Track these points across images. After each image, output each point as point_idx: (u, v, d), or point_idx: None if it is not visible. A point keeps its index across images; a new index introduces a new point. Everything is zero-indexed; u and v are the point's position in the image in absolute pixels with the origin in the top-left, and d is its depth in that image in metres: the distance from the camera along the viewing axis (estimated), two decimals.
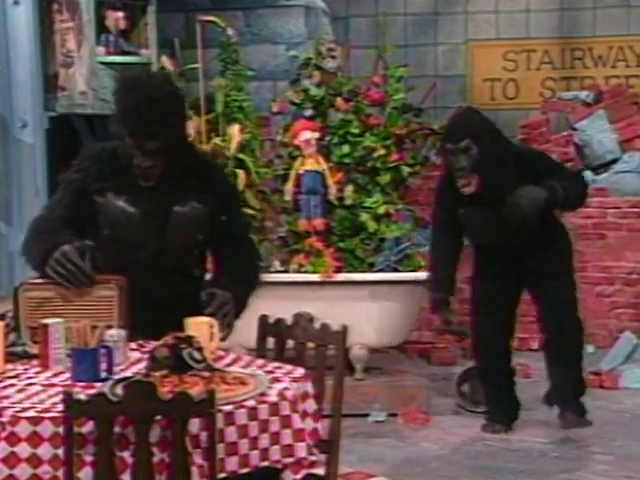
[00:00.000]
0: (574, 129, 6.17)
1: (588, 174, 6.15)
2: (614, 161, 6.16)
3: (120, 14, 4.95)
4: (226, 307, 2.73)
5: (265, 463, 2.19)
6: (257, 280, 2.97)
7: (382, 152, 4.83)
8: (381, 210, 4.79)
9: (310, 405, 2.36)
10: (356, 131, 4.86)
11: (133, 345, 2.67)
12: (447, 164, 4.07)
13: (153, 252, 2.81)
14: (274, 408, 2.21)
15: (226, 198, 2.91)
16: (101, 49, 4.88)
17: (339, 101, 4.89)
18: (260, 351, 2.89)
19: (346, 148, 4.84)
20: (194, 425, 2.06)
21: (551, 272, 4.14)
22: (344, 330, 2.75)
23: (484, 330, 4.22)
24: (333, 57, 4.96)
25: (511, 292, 4.23)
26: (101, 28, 4.91)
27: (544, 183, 4.00)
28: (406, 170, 4.85)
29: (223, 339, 2.69)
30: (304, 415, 2.32)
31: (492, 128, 4.03)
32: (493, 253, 4.15)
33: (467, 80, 6.03)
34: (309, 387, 2.40)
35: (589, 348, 5.86)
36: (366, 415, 4.58)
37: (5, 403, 2.15)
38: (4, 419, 2.06)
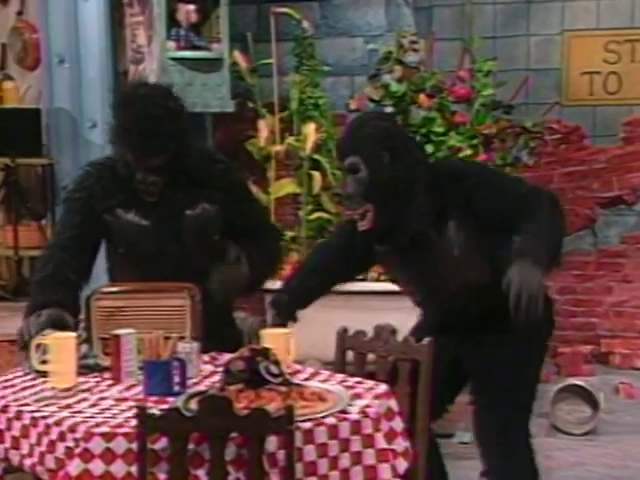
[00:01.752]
0: None
1: None
2: None
3: (191, 7, 5.04)
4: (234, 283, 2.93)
5: None
6: (277, 260, 3.19)
7: (468, 152, 4.81)
8: None
9: (397, 423, 2.39)
10: (440, 130, 4.85)
11: (206, 357, 2.73)
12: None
13: (173, 260, 2.92)
14: (355, 426, 2.24)
15: (232, 190, 3.02)
16: (172, 44, 4.97)
17: (422, 97, 4.89)
18: (339, 365, 2.93)
19: (429, 148, 4.85)
20: (271, 443, 2.10)
21: (490, 373, 2.99)
22: (430, 343, 2.76)
23: None
24: (415, 50, 4.97)
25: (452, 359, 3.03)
26: (171, 22, 5.01)
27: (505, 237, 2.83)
28: None
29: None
30: (392, 434, 2.35)
31: (398, 143, 2.95)
32: (430, 302, 3.12)
33: (563, 74, 5.95)
34: (393, 404, 2.42)
35: None
36: (451, 436, 4.56)
37: (79, 418, 2.22)
38: (78, 435, 2.14)
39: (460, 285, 2.95)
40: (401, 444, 2.37)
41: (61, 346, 2.48)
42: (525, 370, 3.01)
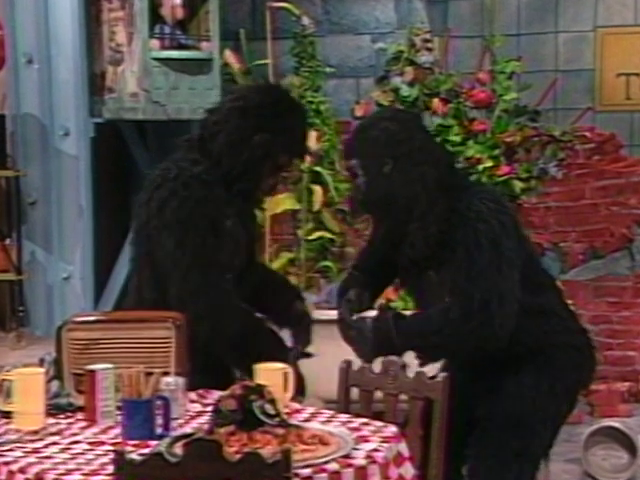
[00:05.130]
0: None
1: None
2: None
3: (177, 1, 5.08)
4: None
5: None
6: None
7: (489, 164, 4.85)
8: None
9: (407, 470, 2.39)
10: (457, 139, 4.88)
11: (193, 395, 2.74)
12: None
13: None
14: (361, 473, 2.23)
15: None
16: (155, 43, 5.02)
17: (436, 102, 4.93)
18: (342, 404, 2.93)
19: None
20: None
21: (494, 420, 2.96)
22: (444, 379, 2.77)
23: None
24: (429, 49, 5.01)
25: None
26: (155, 18, 5.04)
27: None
28: (518, 185, 4.86)
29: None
30: None
31: (405, 152, 2.89)
32: None
33: (596, 75, 5.98)
34: (403, 448, 2.42)
35: None
36: None
37: (47, 464, 2.22)
38: None
39: None
40: None
41: (27, 383, 2.48)
42: (534, 422, 2.96)
